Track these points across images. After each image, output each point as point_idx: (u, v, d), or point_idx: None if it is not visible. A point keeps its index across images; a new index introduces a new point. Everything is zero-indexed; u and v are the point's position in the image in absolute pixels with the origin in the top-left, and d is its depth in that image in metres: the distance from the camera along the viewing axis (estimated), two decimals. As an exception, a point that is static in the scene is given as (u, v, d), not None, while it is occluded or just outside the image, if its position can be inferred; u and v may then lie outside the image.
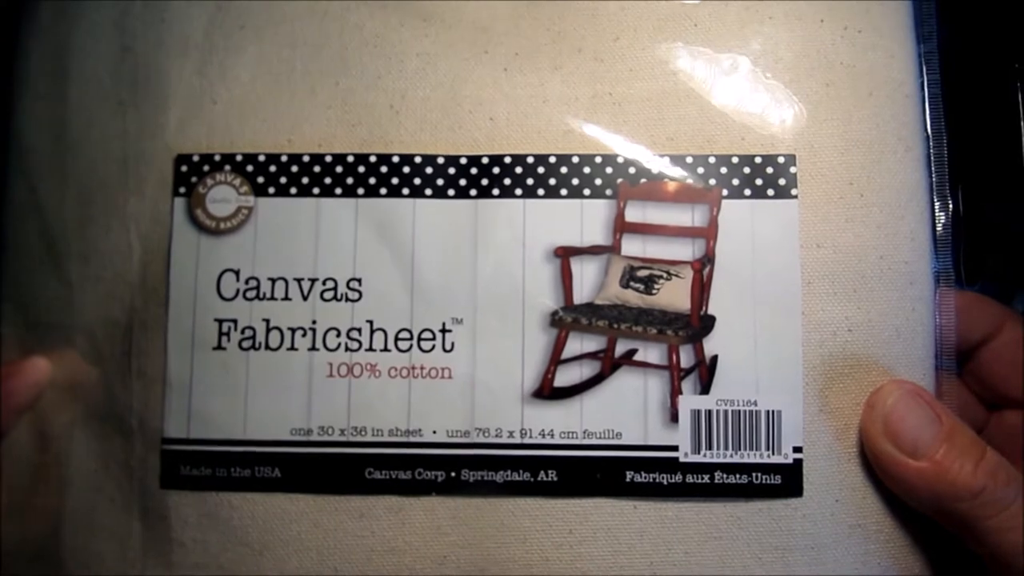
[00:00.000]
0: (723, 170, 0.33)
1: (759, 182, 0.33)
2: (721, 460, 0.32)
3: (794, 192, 0.33)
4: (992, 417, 0.36)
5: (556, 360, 0.33)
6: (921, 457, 0.30)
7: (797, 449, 0.32)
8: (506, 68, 0.34)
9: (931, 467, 0.30)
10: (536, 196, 0.33)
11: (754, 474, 0.32)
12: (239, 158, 0.33)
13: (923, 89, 0.34)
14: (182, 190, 0.33)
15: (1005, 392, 0.35)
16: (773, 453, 0.32)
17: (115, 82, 0.34)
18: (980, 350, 0.35)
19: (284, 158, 0.33)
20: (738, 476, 0.32)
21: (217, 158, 0.33)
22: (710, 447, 0.32)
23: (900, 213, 0.33)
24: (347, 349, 0.33)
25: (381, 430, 0.33)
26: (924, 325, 0.33)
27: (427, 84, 0.34)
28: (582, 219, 0.33)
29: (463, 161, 0.33)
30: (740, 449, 0.32)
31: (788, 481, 0.32)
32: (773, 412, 0.32)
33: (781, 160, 0.33)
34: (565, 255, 0.33)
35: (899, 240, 0.33)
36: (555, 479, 0.32)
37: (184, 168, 0.33)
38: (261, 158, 0.33)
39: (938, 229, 0.34)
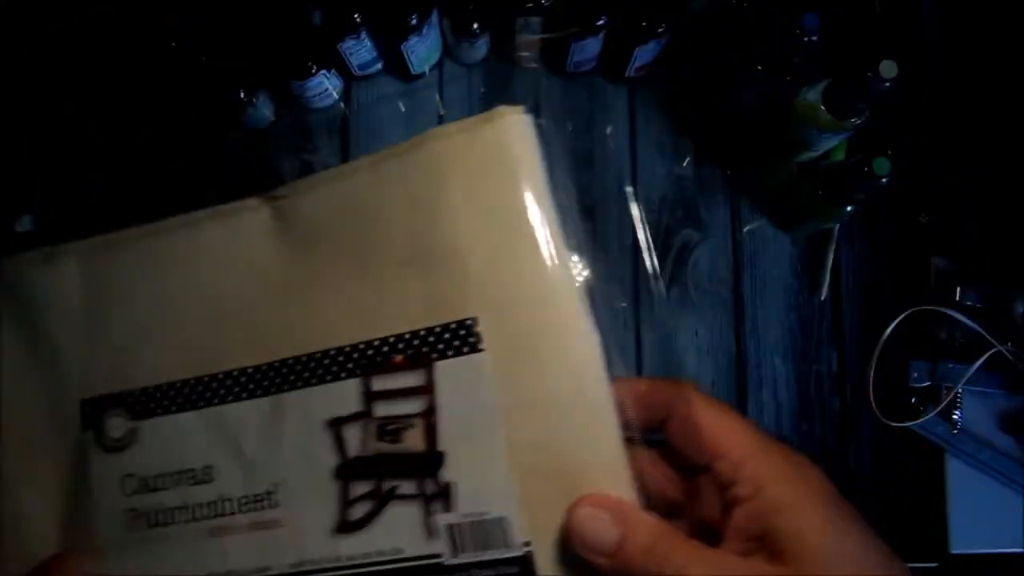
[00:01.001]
0: (431, 339, 0.43)
1: (456, 343, 0.42)
2: (473, 559, 0.42)
3: (481, 347, 0.42)
4: (692, 483, 0.42)
5: (345, 502, 0.44)
6: (606, 556, 0.38)
7: (527, 543, 0.41)
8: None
9: (615, 563, 0.38)
10: (311, 385, 0.45)
11: (499, 567, 0.41)
12: (124, 396, 0.48)
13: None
14: (88, 422, 0.48)
15: (686, 461, 0.41)
16: (509, 548, 0.41)
17: (34, 356, 0.49)
18: (665, 429, 0.42)
19: (152, 390, 0.48)
20: (489, 570, 0.42)
21: (108, 399, 0.48)
22: (464, 550, 0.42)
23: (573, 347, 0.41)
24: (216, 515, 0.46)
25: (248, 569, 0.45)
26: (606, 427, 0.41)
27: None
28: (343, 395, 0.44)
29: (264, 368, 0.46)
30: (486, 549, 0.42)
31: (523, 569, 0.41)
32: (501, 518, 0.41)
33: (468, 323, 0.42)
34: (337, 424, 0.44)
35: (576, 367, 0.41)
36: None
37: (88, 408, 0.48)
38: (138, 394, 0.48)
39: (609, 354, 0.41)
